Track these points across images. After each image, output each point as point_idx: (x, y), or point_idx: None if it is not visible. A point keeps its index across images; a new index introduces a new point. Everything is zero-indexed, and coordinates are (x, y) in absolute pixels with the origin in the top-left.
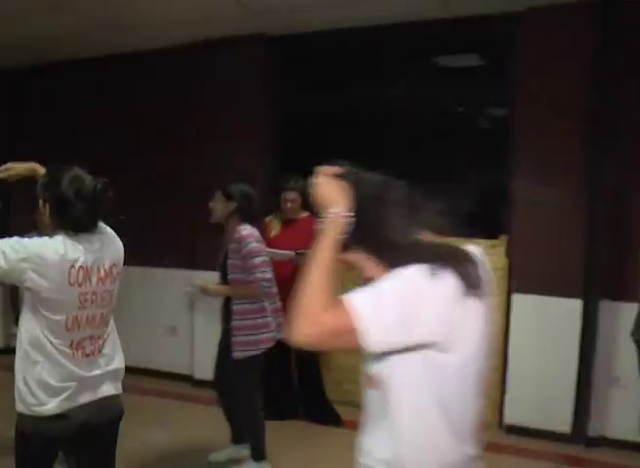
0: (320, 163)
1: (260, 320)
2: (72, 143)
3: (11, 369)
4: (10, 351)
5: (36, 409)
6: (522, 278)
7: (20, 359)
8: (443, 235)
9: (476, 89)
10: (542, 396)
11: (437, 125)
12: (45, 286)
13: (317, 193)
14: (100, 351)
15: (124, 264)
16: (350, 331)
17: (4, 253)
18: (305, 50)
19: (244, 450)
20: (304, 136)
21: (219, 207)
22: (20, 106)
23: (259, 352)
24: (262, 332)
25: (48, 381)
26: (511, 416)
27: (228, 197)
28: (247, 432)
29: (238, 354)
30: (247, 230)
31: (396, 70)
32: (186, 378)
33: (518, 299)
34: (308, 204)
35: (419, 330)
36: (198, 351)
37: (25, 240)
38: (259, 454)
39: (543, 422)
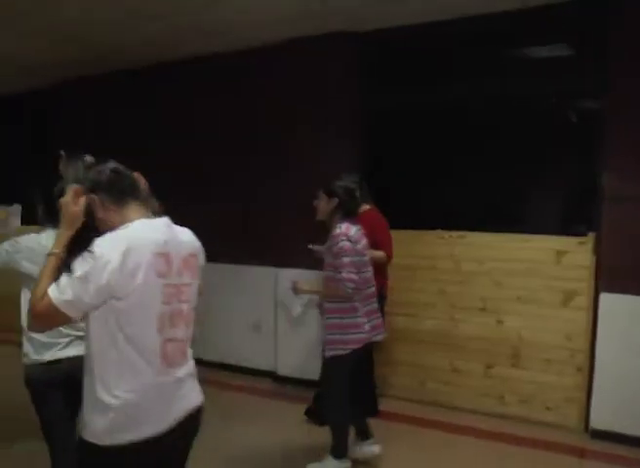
0: (407, 161)
1: (349, 320)
2: (165, 144)
3: None
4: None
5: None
6: (610, 276)
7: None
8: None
9: (565, 80)
10: (631, 400)
11: (525, 119)
12: (37, 270)
13: (64, 211)
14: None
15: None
16: (57, 312)
17: (6, 250)
18: (390, 46)
19: (345, 464)
20: (390, 135)
21: (322, 205)
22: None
23: (346, 352)
24: (351, 333)
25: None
26: (598, 421)
27: (330, 194)
28: (331, 428)
29: (327, 352)
30: (341, 228)
31: (482, 64)
32: (270, 375)
33: (606, 299)
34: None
35: (99, 293)
36: (281, 348)
37: (19, 238)
38: (339, 451)
39: (632, 427)
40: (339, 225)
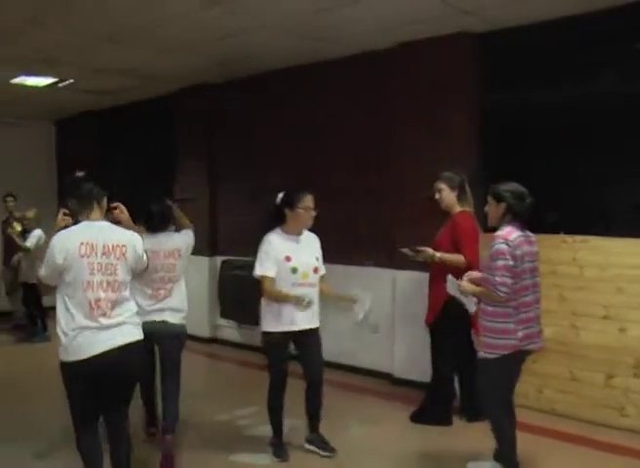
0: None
1: (501, 324)
2: (275, 145)
3: (215, 357)
4: (216, 341)
5: None
6: None
7: None
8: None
9: None
10: None
11: None
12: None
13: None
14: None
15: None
16: (41, 283)
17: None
18: (510, 45)
19: None
20: (509, 135)
21: (491, 210)
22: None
23: (494, 356)
24: (501, 338)
25: None
26: None
27: (498, 199)
28: (494, 435)
29: (480, 354)
30: (502, 231)
31: (605, 61)
32: (386, 377)
33: None
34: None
35: (54, 268)
36: (399, 350)
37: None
38: (504, 460)
39: None
40: (501, 228)
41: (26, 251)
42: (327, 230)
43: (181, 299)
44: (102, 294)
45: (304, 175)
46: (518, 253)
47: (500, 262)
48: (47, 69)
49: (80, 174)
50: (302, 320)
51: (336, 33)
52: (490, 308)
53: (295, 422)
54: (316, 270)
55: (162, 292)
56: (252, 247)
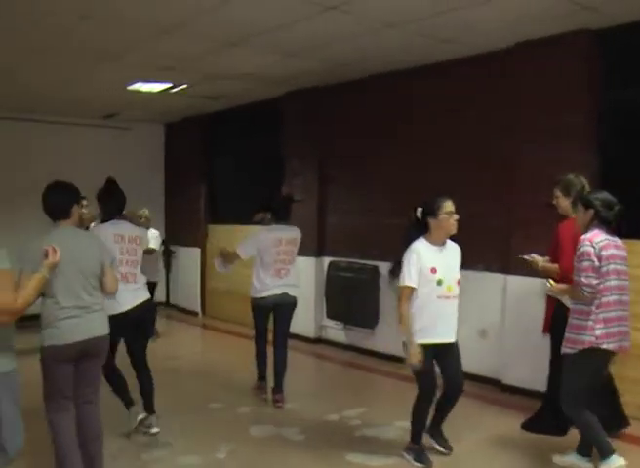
0: None
1: (581, 321)
2: (386, 147)
3: (321, 357)
4: (321, 341)
5: None
6: None
7: None
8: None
9: None
10: None
11: None
12: None
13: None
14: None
15: None
16: None
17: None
18: (630, 42)
19: (586, 464)
20: (629, 136)
21: (579, 216)
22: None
23: (573, 351)
24: (580, 333)
25: None
26: None
27: (587, 206)
28: (578, 429)
29: (562, 349)
30: (588, 234)
31: None
32: (494, 383)
33: None
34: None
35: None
36: (508, 355)
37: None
38: (603, 450)
39: None
40: (588, 230)
41: (152, 252)
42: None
43: (297, 277)
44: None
45: (415, 176)
46: (603, 254)
47: (586, 263)
48: (164, 76)
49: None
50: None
51: (455, 34)
52: (576, 306)
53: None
54: (459, 282)
55: (283, 271)
56: (360, 249)
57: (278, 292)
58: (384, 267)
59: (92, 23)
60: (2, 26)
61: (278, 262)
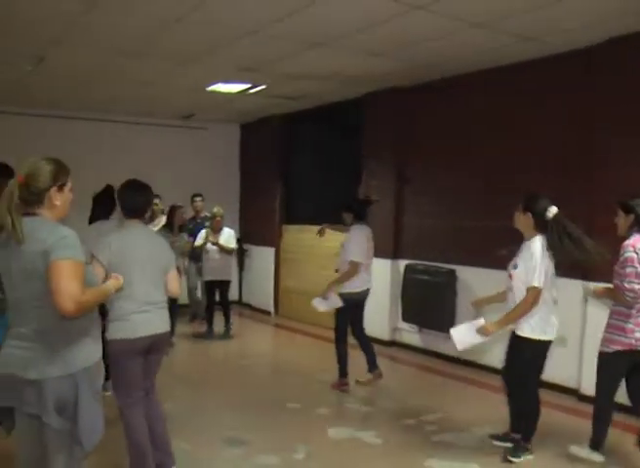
0: None
1: (619, 322)
2: (465, 148)
3: (396, 360)
4: (395, 344)
5: None
6: None
7: None
8: None
9: None
10: None
11: None
12: None
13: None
14: None
15: None
16: None
17: None
18: None
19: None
20: None
21: (620, 221)
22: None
23: (609, 350)
24: (617, 334)
25: None
26: None
27: (627, 210)
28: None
29: (600, 348)
30: (631, 239)
31: None
32: (572, 392)
33: None
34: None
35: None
36: (588, 366)
37: None
38: (595, 442)
39: None
40: (630, 235)
41: (231, 251)
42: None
43: None
44: None
45: (496, 178)
46: None
47: (629, 270)
48: (244, 76)
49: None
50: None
51: (539, 32)
52: (616, 308)
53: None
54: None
55: (370, 267)
56: (437, 252)
57: (370, 286)
58: (462, 270)
59: (178, 27)
60: (89, 31)
61: (368, 258)
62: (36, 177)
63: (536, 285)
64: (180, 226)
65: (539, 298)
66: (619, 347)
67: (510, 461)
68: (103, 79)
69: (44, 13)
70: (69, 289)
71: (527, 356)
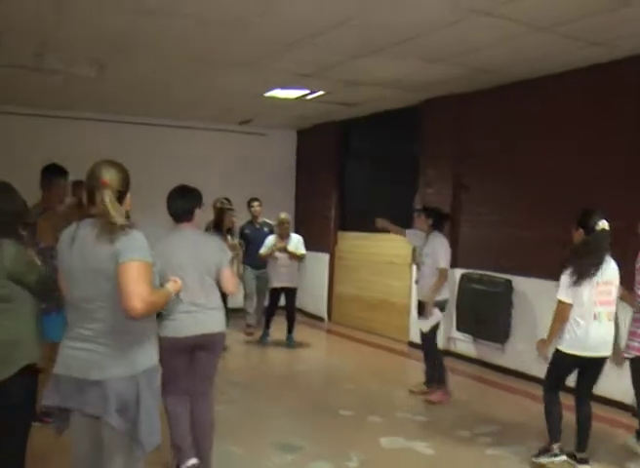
0: None
1: (634, 329)
2: (525, 156)
3: (450, 370)
4: (449, 353)
5: None
6: None
7: None
8: None
9: None
10: None
11: None
12: None
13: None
14: None
15: None
16: None
17: None
18: None
19: None
20: None
21: None
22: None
23: (630, 356)
24: (632, 339)
25: None
26: None
27: None
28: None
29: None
30: None
31: None
32: (629, 408)
33: None
34: None
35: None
36: None
37: None
38: None
39: None
40: None
41: (301, 257)
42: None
43: None
44: None
45: (557, 189)
46: None
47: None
48: (302, 82)
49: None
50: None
51: (606, 36)
52: (637, 315)
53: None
54: None
55: None
56: (494, 261)
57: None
58: (518, 281)
59: (238, 34)
60: (151, 39)
61: None
62: (118, 182)
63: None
64: (228, 229)
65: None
66: (635, 352)
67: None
68: (168, 85)
69: (110, 20)
70: (139, 290)
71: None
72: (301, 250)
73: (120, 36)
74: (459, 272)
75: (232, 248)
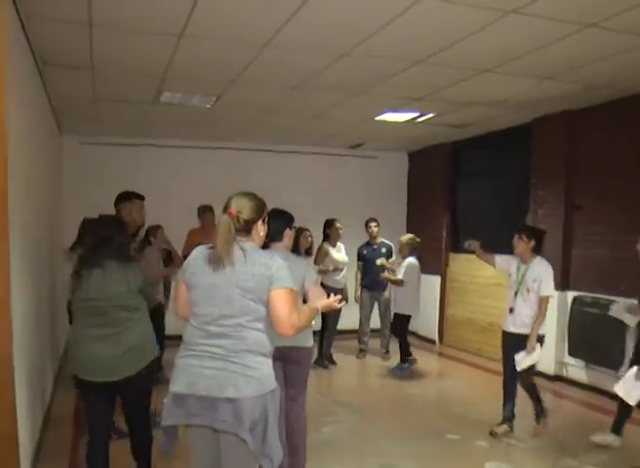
0: None
1: None
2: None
3: (560, 395)
4: (561, 379)
5: None
6: None
7: None
8: None
9: None
10: None
11: None
12: None
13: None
14: None
15: None
16: None
17: None
18: None
19: None
20: None
21: None
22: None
23: None
24: None
25: None
26: None
27: None
28: None
29: None
30: None
31: None
32: None
33: None
34: None
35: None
36: None
37: None
38: None
39: None
40: None
41: (400, 283)
42: None
43: None
44: None
45: None
46: None
47: None
48: (411, 105)
49: None
50: None
51: None
52: None
53: None
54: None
55: None
56: (608, 284)
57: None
58: None
59: (348, 61)
60: (262, 69)
61: None
62: (246, 211)
63: None
64: (306, 250)
65: None
66: None
67: None
68: (276, 113)
69: (220, 56)
70: (292, 317)
71: None
72: (399, 274)
73: (238, 69)
74: (571, 295)
75: (321, 272)
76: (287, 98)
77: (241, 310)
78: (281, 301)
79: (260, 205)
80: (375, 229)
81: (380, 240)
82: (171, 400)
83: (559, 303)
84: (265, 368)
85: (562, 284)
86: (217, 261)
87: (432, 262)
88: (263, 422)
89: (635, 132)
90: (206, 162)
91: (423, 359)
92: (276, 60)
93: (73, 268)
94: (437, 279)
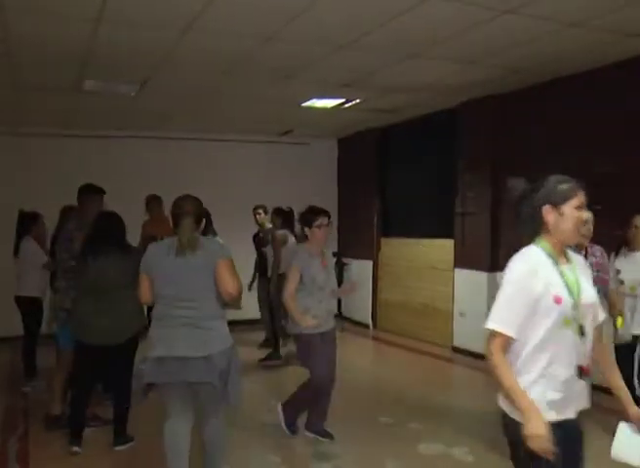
0: None
1: None
2: (564, 157)
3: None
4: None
5: None
6: None
7: None
8: None
9: None
10: None
11: None
12: None
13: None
14: None
15: None
16: None
17: None
18: None
19: None
20: None
21: None
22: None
23: None
24: None
25: None
26: None
27: None
28: None
29: None
30: None
31: None
32: None
33: None
34: None
35: None
36: None
37: None
38: None
39: None
40: None
41: None
42: None
43: None
44: None
45: (601, 188)
46: None
47: None
48: (338, 91)
49: None
50: None
51: None
52: None
53: None
54: None
55: None
56: None
57: None
58: None
59: (274, 44)
60: (186, 54)
61: None
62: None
63: None
64: None
65: None
66: None
67: None
68: (204, 100)
69: (144, 44)
70: (235, 278)
71: None
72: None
73: (158, 56)
74: (499, 275)
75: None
76: (214, 85)
77: (205, 286)
78: (225, 269)
79: (201, 204)
80: (260, 217)
81: (268, 226)
82: (153, 362)
83: (488, 284)
84: (224, 328)
85: (491, 265)
86: (180, 249)
87: (365, 247)
88: (228, 371)
89: (558, 115)
90: (132, 153)
91: (358, 343)
92: (200, 45)
93: (78, 255)
94: (370, 263)
